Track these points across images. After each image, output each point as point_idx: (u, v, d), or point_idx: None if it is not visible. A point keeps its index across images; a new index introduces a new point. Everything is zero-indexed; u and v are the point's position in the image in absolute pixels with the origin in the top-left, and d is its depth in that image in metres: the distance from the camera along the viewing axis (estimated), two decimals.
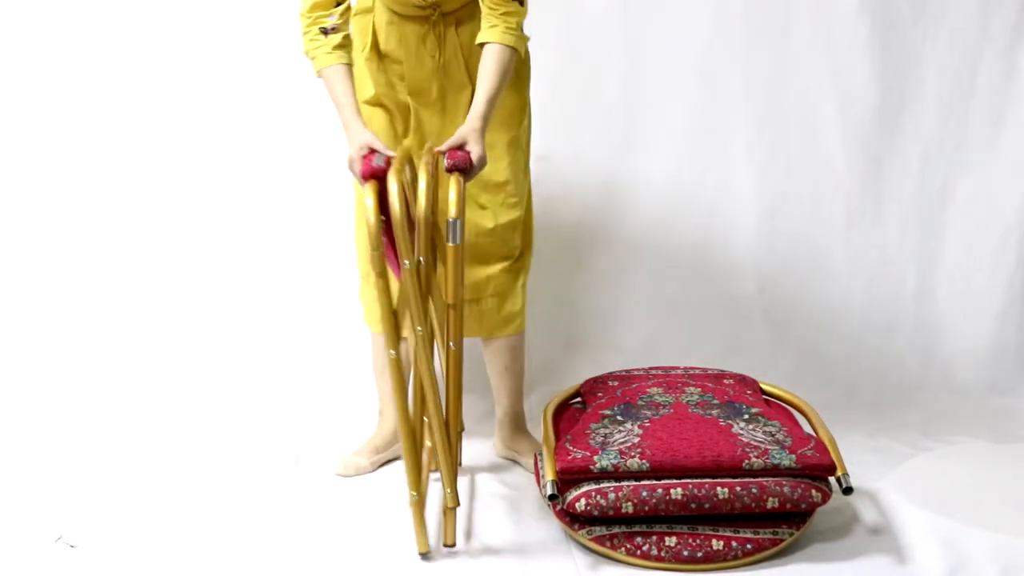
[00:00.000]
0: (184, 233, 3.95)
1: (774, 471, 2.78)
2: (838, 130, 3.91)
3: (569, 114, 3.88)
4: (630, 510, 2.77)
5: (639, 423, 2.95)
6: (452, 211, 2.76)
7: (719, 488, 2.78)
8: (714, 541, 2.79)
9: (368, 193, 2.72)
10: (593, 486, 2.79)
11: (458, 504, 2.84)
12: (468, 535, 2.95)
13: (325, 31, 2.97)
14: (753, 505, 2.78)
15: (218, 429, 3.51)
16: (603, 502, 2.78)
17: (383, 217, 2.74)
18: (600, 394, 3.15)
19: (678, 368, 3.31)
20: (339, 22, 2.99)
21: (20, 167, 3.94)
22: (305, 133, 3.93)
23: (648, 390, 3.14)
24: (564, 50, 3.86)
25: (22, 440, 3.53)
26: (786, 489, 2.78)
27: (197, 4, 3.88)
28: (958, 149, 3.94)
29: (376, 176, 2.77)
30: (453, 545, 2.84)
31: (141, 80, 3.92)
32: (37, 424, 3.63)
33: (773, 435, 2.88)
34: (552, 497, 2.80)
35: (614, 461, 2.78)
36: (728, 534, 2.80)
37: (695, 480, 2.79)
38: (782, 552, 2.83)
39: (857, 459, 3.29)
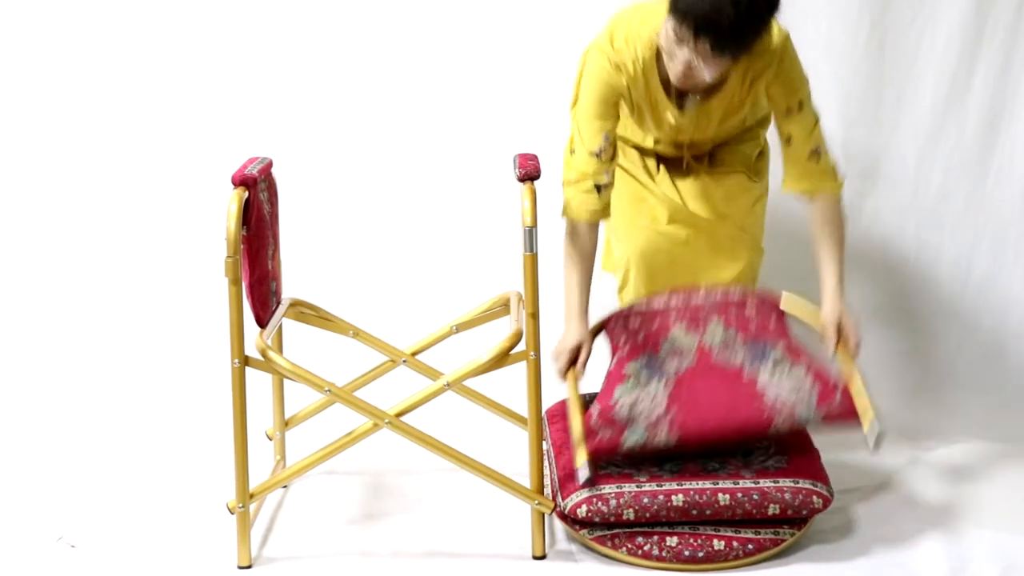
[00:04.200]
0: (189, 235, 3.96)
1: (801, 431, 2.75)
2: (838, 130, 3.91)
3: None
4: (631, 516, 2.77)
5: (664, 382, 2.89)
6: (527, 220, 2.76)
7: (720, 495, 2.77)
8: (715, 541, 2.79)
9: (233, 200, 2.70)
10: (594, 492, 2.80)
11: (552, 510, 2.85)
12: (468, 536, 2.95)
13: (599, 188, 2.97)
14: (754, 511, 2.78)
15: (218, 428, 3.50)
16: (604, 508, 2.78)
17: (244, 226, 2.73)
18: (623, 339, 3.06)
19: (699, 291, 3.16)
20: (611, 179, 3.01)
21: None
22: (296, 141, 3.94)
23: (671, 330, 3.05)
24: (568, 50, 3.86)
25: (22, 440, 3.53)
26: (787, 496, 2.78)
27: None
28: (956, 148, 3.94)
29: (245, 183, 2.75)
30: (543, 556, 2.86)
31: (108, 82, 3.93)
32: (37, 424, 3.63)
33: (799, 389, 2.84)
34: (587, 482, 2.79)
35: (642, 440, 2.77)
36: (729, 534, 2.80)
37: (696, 487, 2.79)
38: (783, 552, 2.83)
39: (857, 459, 3.29)
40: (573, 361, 2.97)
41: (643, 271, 3.18)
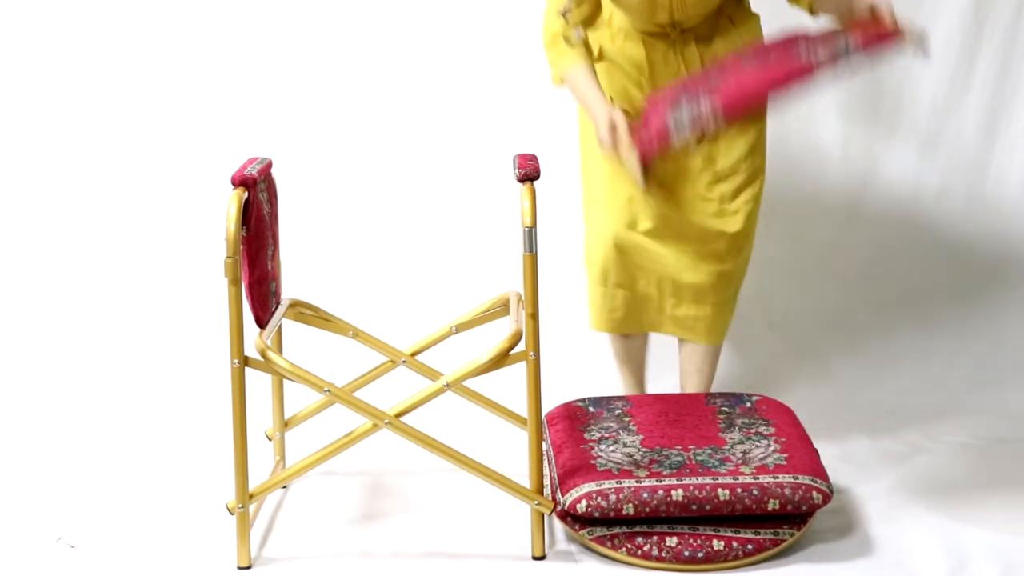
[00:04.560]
0: (189, 235, 3.96)
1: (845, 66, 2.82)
2: (838, 130, 3.92)
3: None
4: (631, 511, 2.77)
5: (701, 100, 2.91)
6: (527, 220, 2.77)
7: (720, 490, 2.78)
8: (715, 541, 2.79)
9: (232, 200, 2.70)
10: (594, 487, 2.80)
11: (551, 510, 2.86)
12: (468, 536, 2.95)
13: (569, 41, 3.09)
14: (754, 507, 2.78)
15: (218, 429, 3.51)
16: (604, 503, 2.78)
17: (243, 226, 2.73)
18: (659, 104, 3.08)
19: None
20: (584, 37, 3.11)
21: None
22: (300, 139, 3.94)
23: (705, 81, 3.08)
24: None
25: (22, 440, 3.53)
26: (787, 491, 2.78)
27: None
28: (955, 148, 3.94)
29: (245, 184, 2.75)
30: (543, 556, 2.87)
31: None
32: (37, 424, 3.63)
33: (835, 44, 2.88)
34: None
35: (688, 120, 2.80)
36: (729, 534, 2.80)
37: (696, 482, 2.79)
38: (783, 552, 2.83)
39: (857, 459, 3.29)
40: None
41: (617, 258, 3.23)
